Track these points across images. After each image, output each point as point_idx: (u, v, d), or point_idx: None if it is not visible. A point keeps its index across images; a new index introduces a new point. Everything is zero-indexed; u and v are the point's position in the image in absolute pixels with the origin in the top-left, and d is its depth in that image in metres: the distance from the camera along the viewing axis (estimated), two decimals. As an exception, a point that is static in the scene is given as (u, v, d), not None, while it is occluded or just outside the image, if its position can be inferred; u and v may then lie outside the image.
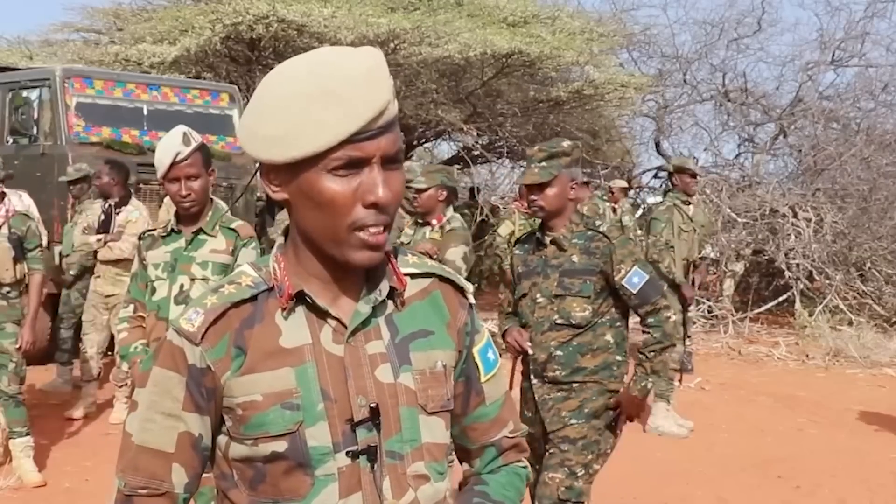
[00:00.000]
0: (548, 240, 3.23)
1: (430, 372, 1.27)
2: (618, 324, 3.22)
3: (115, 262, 6.02)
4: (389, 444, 1.23)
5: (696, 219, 6.46)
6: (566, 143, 3.22)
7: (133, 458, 1.26)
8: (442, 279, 1.33)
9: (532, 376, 3.26)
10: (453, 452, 1.45)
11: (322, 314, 1.23)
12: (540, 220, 3.31)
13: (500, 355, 1.46)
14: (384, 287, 1.25)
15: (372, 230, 1.18)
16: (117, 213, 6.09)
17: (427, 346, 1.28)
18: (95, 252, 6.09)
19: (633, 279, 3.09)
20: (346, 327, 1.23)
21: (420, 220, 4.85)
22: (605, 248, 3.12)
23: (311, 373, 1.21)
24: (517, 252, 3.39)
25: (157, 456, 1.25)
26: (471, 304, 1.35)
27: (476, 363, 1.35)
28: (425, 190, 4.73)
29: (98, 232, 6.08)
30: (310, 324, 1.23)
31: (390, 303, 1.27)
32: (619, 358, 3.22)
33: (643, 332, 3.20)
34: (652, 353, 3.15)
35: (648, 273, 3.13)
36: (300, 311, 1.24)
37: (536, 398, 3.24)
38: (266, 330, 1.23)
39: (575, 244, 3.18)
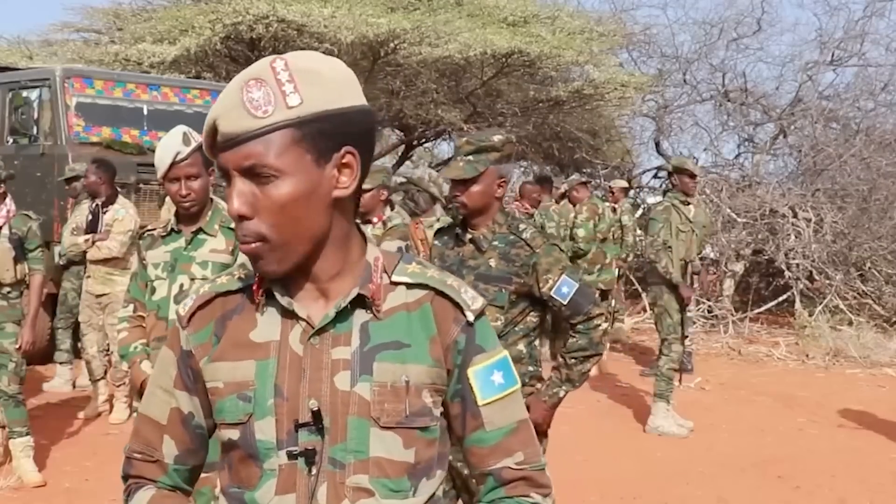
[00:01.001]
0: (467, 238, 3.00)
1: (391, 385, 1.23)
2: (532, 334, 3.00)
3: (105, 262, 6.01)
4: (333, 452, 1.22)
5: (696, 219, 6.45)
6: (497, 137, 2.97)
7: (137, 425, 1.37)
8: (438, 293, 1.28)
9: None
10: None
11: (291, 313, 1.25)
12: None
13: None
14: (353, 293, 1.24)
15: (241, 239, 1.23)
16: (104, 213, 6.08)
17: (396, 358, 1.24)
18: (85, 252, 6.09)
19: (563, 289, 2.88)
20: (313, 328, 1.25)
21: (359, 220, 4.85)
22: (527, 258, 2.90)
23: (271, 369, 1.24)
24: (436, 243, 3.14)
25: (153, 426, 1.35)
26: (468, 322, 1.28)
27: (469, 384, 1.28)
28: (368, 191, 4.73)
29: (86, 232, 6.07)
30: (283, 321, 1.26)
31: (369, 311, 1.26)
32: (531, 369, 3.00)
33: (570, 335, 2.98)
34: (573, 360, 2.94)
35: (578, 281, 2.92)
36: (276, 308, 1.27)
37: None
38: (242, 322, 1.28)
39: (495, 247, 2.95)
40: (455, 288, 1.29)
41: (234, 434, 1.26)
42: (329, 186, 1.21)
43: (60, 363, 6.99)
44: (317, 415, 1.21)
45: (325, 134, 1.19)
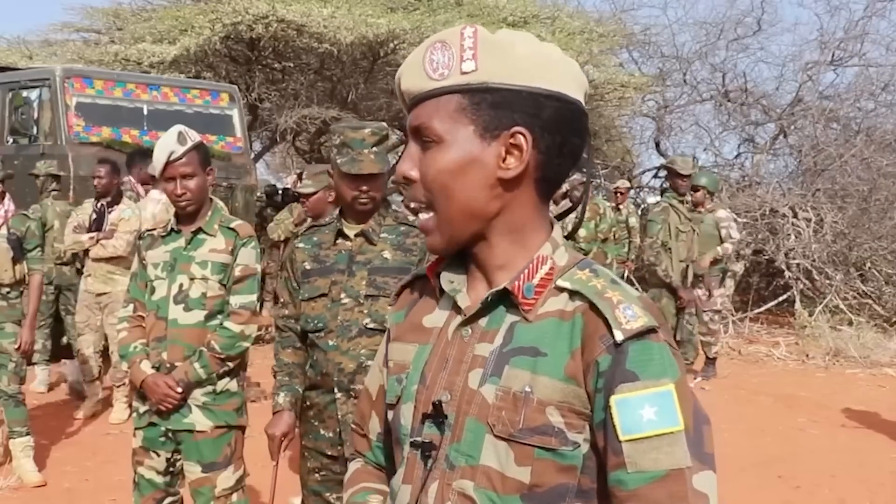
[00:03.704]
0: (352, 233, 2.83)
1: (513, 393, 1.12)
2: None
3: (108, 261, 6.02)
4: (449, 450, 1.16)
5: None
6: (385, 125, 2.87)
7: (359, 397, 1.41)
8: (591, 304, 1.13)
9: (336, 390, 2.77)
10: None
11: (454, 301, 1.22)
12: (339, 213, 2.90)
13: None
14: (502, 285, 1.17)
15: (408, 204, 1.21)
16: (110, 212, 6.09)
17: (528, 365, 1.12)
18: (86, 251, 6.09)
19: None
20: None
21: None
22: (424, 246, 2.73)
23: (425, 354, 1.22)
24: (301, 246, 2.91)
25: (367, 399, 1.38)
26: (616, 342, 1.09)
27: (611, 414, 1.09)
28: (313, 194, 4.58)
29: (90, 230, 6.08)
30: (451, 309, 1.22)
31: (519, 310, 1.17)
32: None
33: None
34: None
35: None
36: (448, 294, 1.23)
37: (339, 416, 2.77)
38: (423, 306, 1.28)
39: (385, 239, 2.81)
40: (611, 302, 1.12)
41: (390, 414, 1.26)
42: (493, 165, 1.14)
43: (36, 364, 6.81)
44: (437, 408, 1.16)
45: (495, 108, 1.12)
